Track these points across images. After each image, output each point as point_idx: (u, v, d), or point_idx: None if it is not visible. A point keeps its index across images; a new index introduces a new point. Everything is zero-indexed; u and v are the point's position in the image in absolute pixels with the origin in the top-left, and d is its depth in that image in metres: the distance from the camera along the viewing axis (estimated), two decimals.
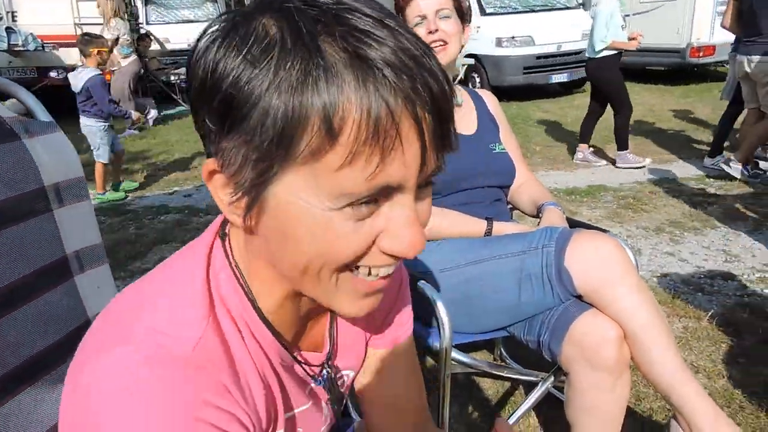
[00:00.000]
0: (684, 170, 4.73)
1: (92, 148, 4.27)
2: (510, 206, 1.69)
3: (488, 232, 1.39)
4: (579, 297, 1.23)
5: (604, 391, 1.16)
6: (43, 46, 6.63)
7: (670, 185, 4.30)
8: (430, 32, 1.44)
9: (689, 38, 8.85)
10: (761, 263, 2.87)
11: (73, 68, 6.97)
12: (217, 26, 0.46)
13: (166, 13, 14.33)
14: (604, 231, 1.53)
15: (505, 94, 8.62)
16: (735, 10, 4.22)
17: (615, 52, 4.55)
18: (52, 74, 6.91)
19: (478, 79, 8.80)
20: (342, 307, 0.50)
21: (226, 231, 0.56)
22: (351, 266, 0.47)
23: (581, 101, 8.33)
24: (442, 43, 1.45)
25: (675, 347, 1.17)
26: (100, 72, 4.13)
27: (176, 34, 13.76)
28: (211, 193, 0.48)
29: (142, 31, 10.97)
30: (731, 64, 4.63)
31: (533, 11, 8.83)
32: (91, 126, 4.19)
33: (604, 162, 5.04)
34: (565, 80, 8.72)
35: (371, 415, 0.76)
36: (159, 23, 13.96)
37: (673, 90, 9.05)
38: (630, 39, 4.57)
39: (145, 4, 14.12)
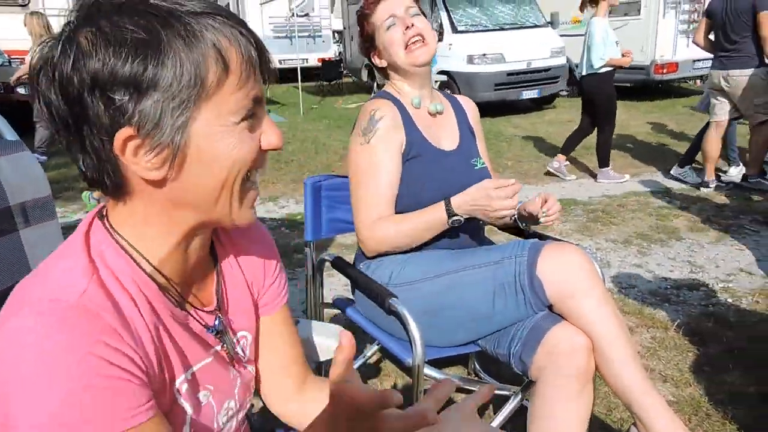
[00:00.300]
0: (650, 184, 4.86)
1: None
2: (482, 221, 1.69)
3: (449, 211, 1.33)
4: (549, 307, 1.26)
5: (570, 399, 1.18)
6: (9, 62, 6.50)
7: (637, 198, 4.42)
8: (408, 27, 1.42)
9: (653, 55, 9.15)
10: (724, 273, 2.96)
11: None
12: (84, 36, 0.54)
13: None
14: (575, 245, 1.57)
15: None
16: (706, 26, 4.40)
17: (611, 68, 4.65)
18: (20, 90, 6.78)
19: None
20: (242, 217, 0.64)
21: (104, 213, 0.64)
22: (250, 172, 0.62)
23: (551, 117, 8.53)
24: (420, 38, 1.43)
25: (637, 359, 1.21)
26: None
27: None
28: (125, 163, 0.56)
29: None
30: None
31: (503, 29, 9.02)
32: None
33: (574, 177, 5.15)
34: (536, 96, 8.91)
35: (262, 370, 0.83)
36: None
37: (639, 106, 9.32)
38: (623, 56, 4.69)
39: None
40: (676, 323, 2.42)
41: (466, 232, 1.48)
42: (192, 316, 0.68)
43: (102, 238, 0.62)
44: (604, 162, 4.98)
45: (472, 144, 1.61)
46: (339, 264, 1.49)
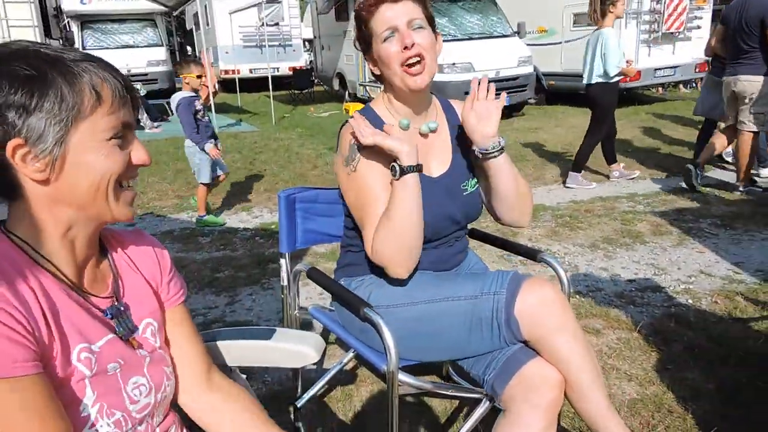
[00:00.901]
0: (615, 189, 5.01)
1: (192, 170, 4.23)
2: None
3: (405, 169, 1.27)
4: (524, 342, 1.30)
5: (536, 431, 1.21)
6: None
7: (603, 204, 4.55)
8: (406, 48, 1.29)
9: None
10: (685, 275, 3.09)
11: None
12: None
13: (104, 38, 14.02)
14: (539, 251, 1.64)
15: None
16: (720, 34, 4.62)
17: (619, 77, 4.81)
18: None
19: None
20: (120, 213, 0.79)
21: (6, 227, 0.77)
22: (121, 180, 0.78)
23: (519, 125, 8.70)
24: (419, 58, 1.30)
25: (602, 388, 1.26)
26: (193, 95, 4.05)
27: (114, 59, 13.38)
28: (16, 166, 0.71)
29: None
30: (705, 84, 5.14)
31: (472, 39, 9.19)
32: (188, 148, 4.12)
33: (638, 173, 5.31)
34: (505, 104, 9.06)
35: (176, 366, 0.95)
36: (96, 48, 13.64)
37: None
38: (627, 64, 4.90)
39: (81, 29, 13.79)
40: (640, 324, 2.51)
41: (451, 250, 1.50)
42: (88, 299, 0.81)
43: None
44: (577, 167, 5.11)
45: (465, 162, 1.48)
46: (314, 275, 1.53)
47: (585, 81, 4.96)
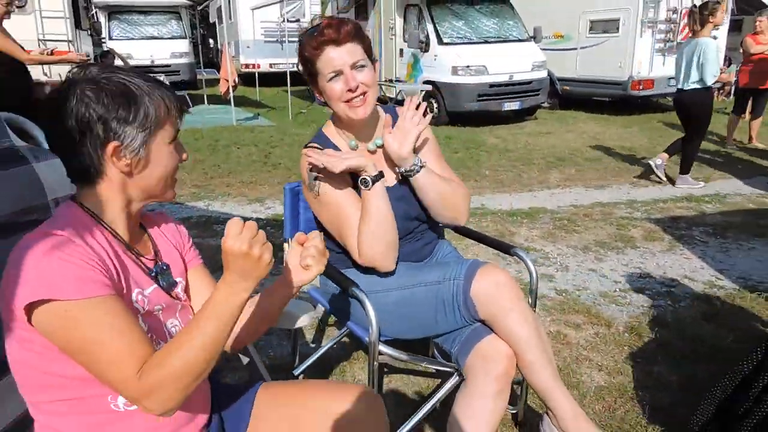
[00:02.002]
0: (616, 194, 5.17)
1: None
2: (441, 225, 1.83)
3: (374, 178, 1.46)
4: (482, 321, 1.50)
5: (488, 396, 1.41)
6: None
7: (602, 209, 4.71)
8: (350, 90, 1.44)
9: (631, 72, 9.52)
10: (669, 279, 3.25)
11: (37, 83, 7.02)
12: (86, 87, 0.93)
13: (129, 29, 14.40)
14: (512, 245, 1.83)
15: (460, 119, 9.08)
16: None
17: (714, 85, 5.06)
18: None
19: (435, 105, 9.24)
20: (171, 195, 1.04)
21: (78, 195, 1.00)
22: (171, 177, 1.02)
23: (530, 128, 8.85)
24: (362, 96, 1.47)
25: (550, 361, 1.46)
26: None
27: (139, 50, 13.87)
28: (107, 161, 0.94)
29: (105, 48, 11.01)
30: None
31: (487, 42, 9.34)
32: None
33: (664, 179, 5.50)
34: (517, 108, 9.24)
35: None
36: (122, 39, 14.03)
37: (616, 120, 9.69)
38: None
39: (109, 20, 14.18)
40: (617, 321, 2.70)
41: (418, 244, 1.70)
42: (138, 258, 1.04)
43: (72, 211, 0.97)
44: (686, 169, 5.36)
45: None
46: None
47: (679, 86, 5.17)
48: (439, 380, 2.18)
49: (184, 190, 5.26)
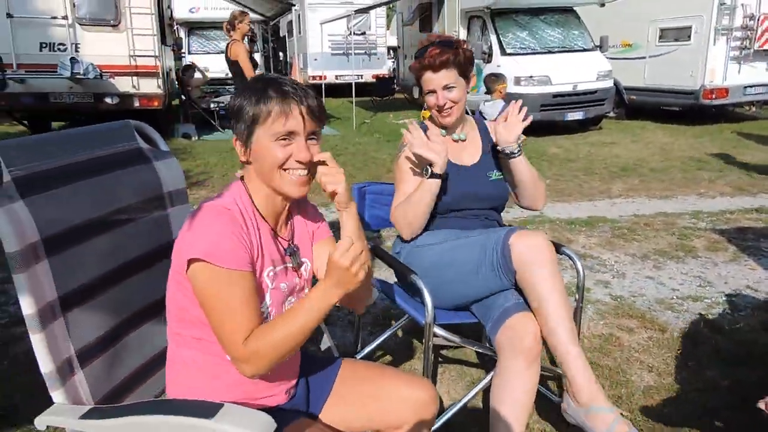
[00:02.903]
0: (681, 205, 5.09)
1: None
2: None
3: (434, 174, 1.77)
4: (515, 283, 1.67)
5: (518, 372, 1.56)
6: (101, 75, 7.34)
7: (665, 218, 4.67)
8: (440, 106, 1.85)
9: (703, 81, 9.22)
10: (731, 289, 3.23)
11: (126, 95, 7.69)
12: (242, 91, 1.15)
13: (207, 43, 15.32)
14: (561, 245, 1.96)
15: (524, 129, 9.07)
16: None
17: None
18: (107, 100, 7.62)
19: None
20: (289, 191, 1.15)
21: (242, 176, 1.20)
22: (284, 167, 1.13)
23: (594, 138, 8.74)
24: (449, 110, 1.86)
25: (567, 322, 1.58)
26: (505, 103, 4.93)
27: (215, 63, 14.69)
28: (239, 149, 1.15)
29: (186, 62, 11.80)
30: None
31: (551, 52, 9.33)
32: None
33: None
34: (580, 118, 9.16)
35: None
36: (200, 53, 14.94)
37: (687, 130, 9.39)
38: None
39: (188, 35, 15.14)
40: (672, 326, 2.73)
41: (477, 223, 1.93)
42: (277, 238, 1.21)
43: (238, 188, 1.17)
44: None
45: (491, 160, 2.00)
46: (376, 251, 1.95)
47: None
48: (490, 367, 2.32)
49: None
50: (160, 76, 7.85)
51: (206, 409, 0.95)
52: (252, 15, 13.21)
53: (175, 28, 14.95)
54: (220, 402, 1.00)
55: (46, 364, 1.06)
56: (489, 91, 5.00)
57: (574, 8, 10.06)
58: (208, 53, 15.01)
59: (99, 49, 7.44)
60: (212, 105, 9.77)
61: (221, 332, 1.06)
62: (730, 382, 2.26)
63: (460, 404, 1.86)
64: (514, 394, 1.57)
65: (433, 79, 1.83)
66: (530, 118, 1.90)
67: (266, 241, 1.16)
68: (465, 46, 1.88)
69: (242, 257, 1.06)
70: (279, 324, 1.06)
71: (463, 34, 10.23)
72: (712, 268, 3.55)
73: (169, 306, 1.16)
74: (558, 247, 1.95)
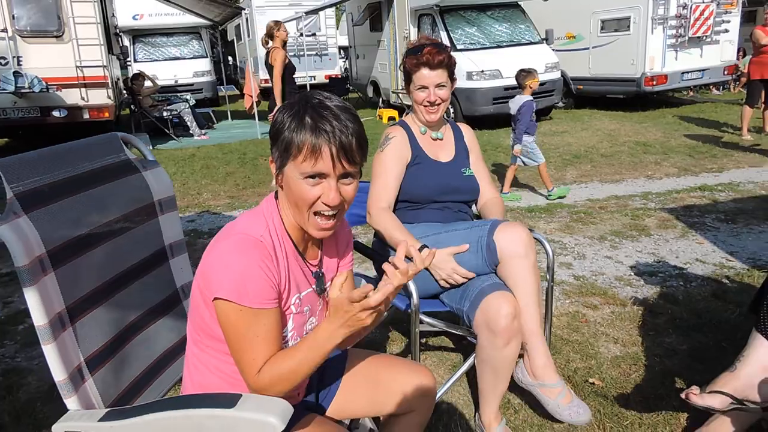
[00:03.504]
0: (631, 187, 5.36)
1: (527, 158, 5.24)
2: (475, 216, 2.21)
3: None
4: (496, 270, 1.79)
5: (497, 349, 1.69)
6: (47, 88, 7.12)
7: (617, 201, 4.92)
8: (430, 102, 1.96)
9: (643, 68, 9.67)
10: (682, 263, 3.46)
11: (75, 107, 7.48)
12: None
13: (153, 51, 14.96)
14: (530, 229, 2.09)
15: (477, 122, 9.30)
16: None
17: None
18: (55, 113, 7.40)
19: (452, 110, 9.50)
20: (311, 231, 1.12)
21: (277, 195, 1.17)
22: (312, 209, 1.09)
23: (545, 128, 9.04)
24: (436, 106, 1.98)
25: (536, 309, 1.75)
26: (531, 99, 5.15)
27: (163, 70, 14.40)
28: (274, 168, 1.11)
29: (135, 70, 11.49)
30: None
31: (500, 47, 9.59)
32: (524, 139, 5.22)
33: None
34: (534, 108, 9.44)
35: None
36: (147, 60, 14.59)
37: (632, 116, 9.84)
38: None
39: (133, 43, 14.75)
40: (632, 300, 2.92)
41: (452, 215, 2.03)
42: (306, 263, 1.21)
43: (273, 209, 1.16)
44: None
45: (464, 158, 2.14)
46: (357, 246, 2.02)
47: None
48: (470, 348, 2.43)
49: (219, 201, 5.60)
50: (110, 86, 7.68)
51: (227, 400, 1.00)
52: (199, 20, 13.05)
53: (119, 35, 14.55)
54: (239, 393, 1.05)
55: (59, 373, 1.10)
56: (519, 86, 5.21)
57: (519, 3, 10.37)
58: (156, 60, 14.68)
59: (43, 61, 7.21)
60: (165, 113, 9.59)
61: (239, 359, 1.09)
62: (687, 347, 2.45)
63: (446, 386, 1.96)
64: (496, 368, 1.72)
65: (429, 76, 1.93)
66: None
67: (293, 267, 1.16)
68: (450, 52, 2.00)
69: (269, 294, 1.06)
70: (288, 358, 1.08)
71: (413, 33, 10.38)
72: (664, 245, 3.79)
73: (191, 313, 1.17)
74: None
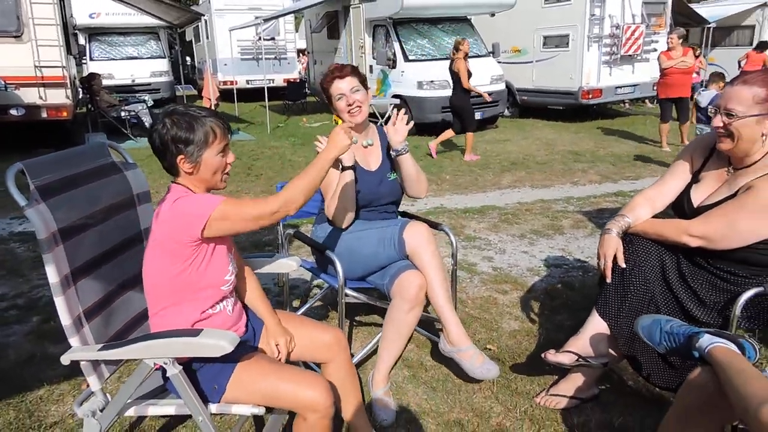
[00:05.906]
0: (557, 192, 5.97)
1: None
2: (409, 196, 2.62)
3: (345, 167, 2.23)
4: (407, 257, 2.25)
5: (402, 312, 2.16)
6: (5, 87, 7.24)
7: (543, 204, 5.51)
8: (349, 105, 2.25)
9: (580, 82, 10.45)
10: (585, 257, 4.04)
11: (33, 106, 7.60)
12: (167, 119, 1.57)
13: (110, 50, 14.95)
14: (440, 223, 2.57)
15: (426, 129, 9.86)
16: None
17: None
18: (12, 112, 7.52)
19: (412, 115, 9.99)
20: (221, 186, 1.64)
21: (175, 180, 1.60)
22: (225, 170, 1.63)
23: (490, 136, 9.68)
24: (358, 107, 2.26)
25: (445, 290, 2.19)
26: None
27: (120, 70, 14.43)
28: (179, 165, 1.55)
29: (88, 69, 11.54)
30: None
31: (449, 58, 10.16)
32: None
33: None
34: (478, 118, 10.06)
35: None
36: (103, 59, 14.57)
37: (569, 126, 10.59)
38: None
39: (89, 41, 14.70)
40: (537, 288, 3.46)
41: (380, 216, 2.46)
42: None
43: (178, 186, 1.58)
44: None
45: (388, 162, 2.50)
46: (298, 234, 2.46)
47: None
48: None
49: None
50: (68, 86, 7.84)
51: (193, 333, 1.43)
52: (158, 21, 13.17)
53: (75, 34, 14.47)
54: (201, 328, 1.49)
55: (65, 319, 1.50)
56: (709, 84, 6.83)
57: (468, 17, 11.00)
58: (112, 59, 14.69)
59: (2, 60, 7.34)
60: (123, 113, 9.74)
61: (260, 211, 1.52)
62: (572, 323, 2.98)
63: (366, 349, 2.42)
64: (398, 327, 2.18)
65: (342, 84, 2.26)
66: (412, 123, 2.40)
67: None
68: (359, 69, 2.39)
69: (216, 199, 1.52)
70: (296, 178, 1.63)
71: (368, 42, 10.87)
72: (574, 242, 4.37)
73: (152, 290, 1.58)
74: (437, 226, 2.57)
